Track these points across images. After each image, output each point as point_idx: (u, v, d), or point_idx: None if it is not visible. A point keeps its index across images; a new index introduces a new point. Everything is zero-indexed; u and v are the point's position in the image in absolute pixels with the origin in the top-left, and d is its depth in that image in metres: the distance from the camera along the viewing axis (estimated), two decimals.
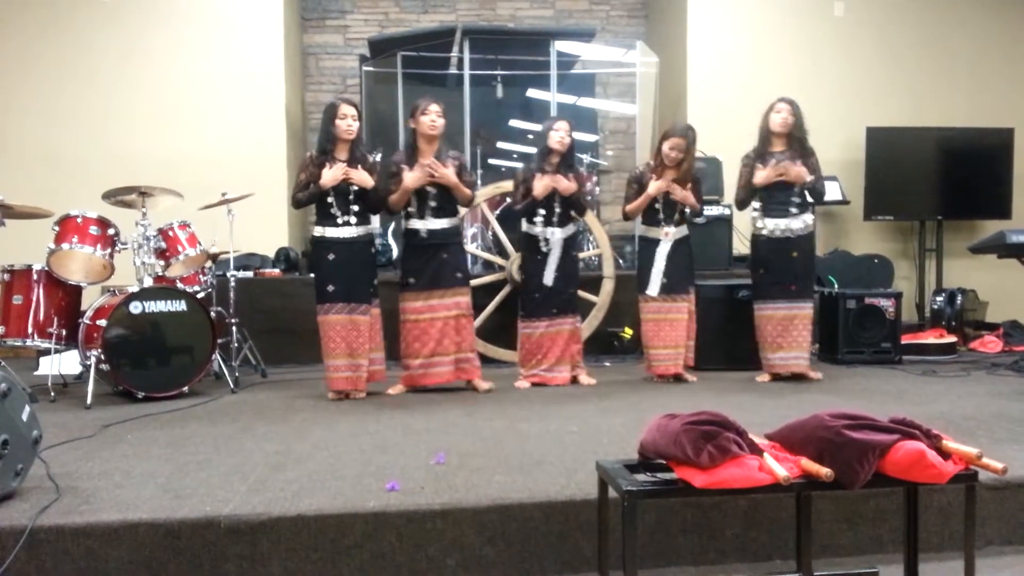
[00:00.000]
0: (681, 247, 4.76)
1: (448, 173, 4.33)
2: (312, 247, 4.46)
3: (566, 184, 4.56)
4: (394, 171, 4.41)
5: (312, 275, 4.53)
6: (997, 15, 7.12)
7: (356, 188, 4.28)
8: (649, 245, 4.76)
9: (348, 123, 4.25)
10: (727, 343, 5.14)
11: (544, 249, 4.64)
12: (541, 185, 4.54)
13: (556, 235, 4.64)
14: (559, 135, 4.57)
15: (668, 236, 4.71)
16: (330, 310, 4.27)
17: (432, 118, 4.33)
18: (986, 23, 7.10)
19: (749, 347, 4.98)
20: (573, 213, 4.73)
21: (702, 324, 4.95)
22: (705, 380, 4.81)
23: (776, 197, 4.71)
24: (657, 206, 4.70)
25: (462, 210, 4.60)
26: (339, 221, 4.29)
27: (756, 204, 4.80)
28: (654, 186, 4.63)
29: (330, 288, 4.27)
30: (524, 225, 4.71)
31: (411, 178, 4.32)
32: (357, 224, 4.33)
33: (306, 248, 6.28)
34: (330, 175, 4.20)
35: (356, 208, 4.31)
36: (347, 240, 4.31)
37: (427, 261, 4.41)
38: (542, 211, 4.63)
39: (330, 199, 4.26)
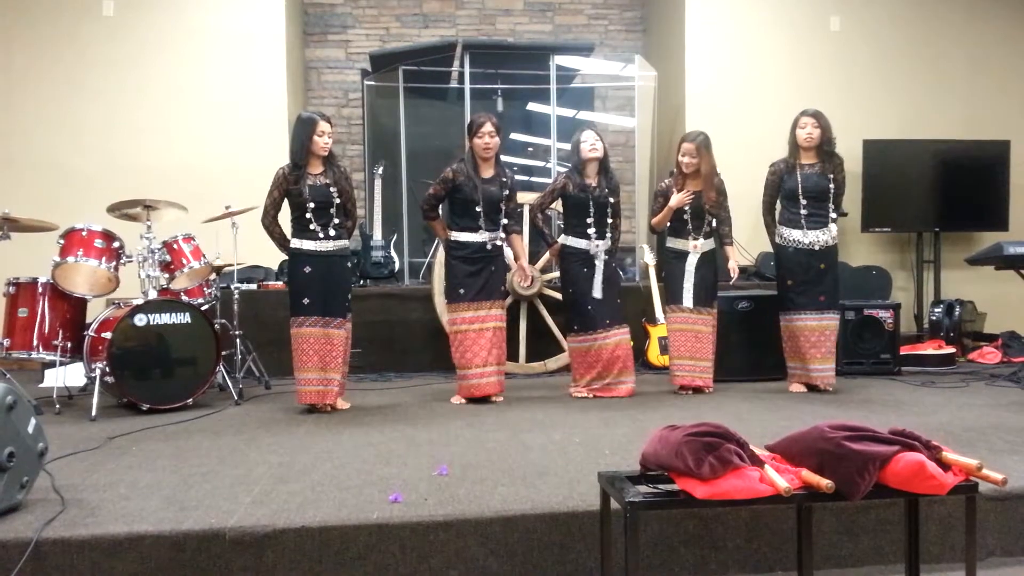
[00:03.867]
0: (707, 260, 4.78)
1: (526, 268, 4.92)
2: (288, 259, 4.39)
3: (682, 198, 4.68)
4: (449, 178, 4.46)
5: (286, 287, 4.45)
6: (993, 28, 7.16)
7: (337, 202, 4.28)
8: (677, 257, 4.78)
9: (325, 140, 4.26)
10: (729, 355, 5.14)
11: (594, 262, 4.66)
12: (676, 199, 4.65)
13: (601, 247, 4.68)
14: (588, 144, 4.64)
15: (696, 248, 4.75)
16: (304, 323, 4.27)
17: (485, 140, 4.45)
18: (982, 36, 7.15)
19: (751, 359, 5.00)
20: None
21: None
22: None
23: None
24: (685, 217, 4.73)
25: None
26: (319, 235, 4.27)
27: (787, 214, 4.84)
28: (675, 198, 4.68)
29: (305, 301, 4.27)
30: (572, 240, 4.66)
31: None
32: (335, 238, 4.32)
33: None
34: None
35: (336, 222, 4.31)
36: (325, 254, 4.29)
37: (478, 273, 4.51)
38: (592, 225, 4.65)
39: (308, 214, 4.24)
